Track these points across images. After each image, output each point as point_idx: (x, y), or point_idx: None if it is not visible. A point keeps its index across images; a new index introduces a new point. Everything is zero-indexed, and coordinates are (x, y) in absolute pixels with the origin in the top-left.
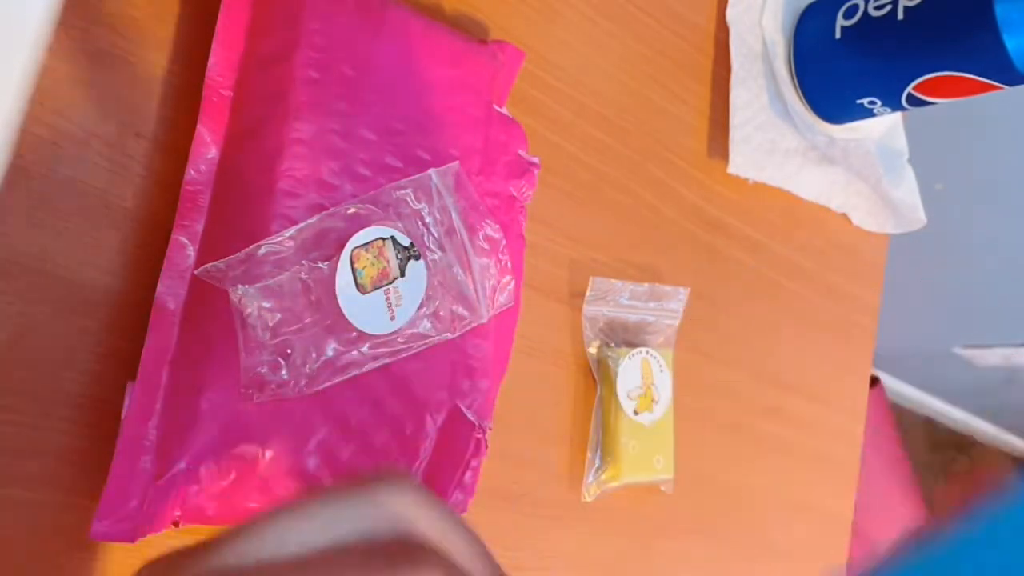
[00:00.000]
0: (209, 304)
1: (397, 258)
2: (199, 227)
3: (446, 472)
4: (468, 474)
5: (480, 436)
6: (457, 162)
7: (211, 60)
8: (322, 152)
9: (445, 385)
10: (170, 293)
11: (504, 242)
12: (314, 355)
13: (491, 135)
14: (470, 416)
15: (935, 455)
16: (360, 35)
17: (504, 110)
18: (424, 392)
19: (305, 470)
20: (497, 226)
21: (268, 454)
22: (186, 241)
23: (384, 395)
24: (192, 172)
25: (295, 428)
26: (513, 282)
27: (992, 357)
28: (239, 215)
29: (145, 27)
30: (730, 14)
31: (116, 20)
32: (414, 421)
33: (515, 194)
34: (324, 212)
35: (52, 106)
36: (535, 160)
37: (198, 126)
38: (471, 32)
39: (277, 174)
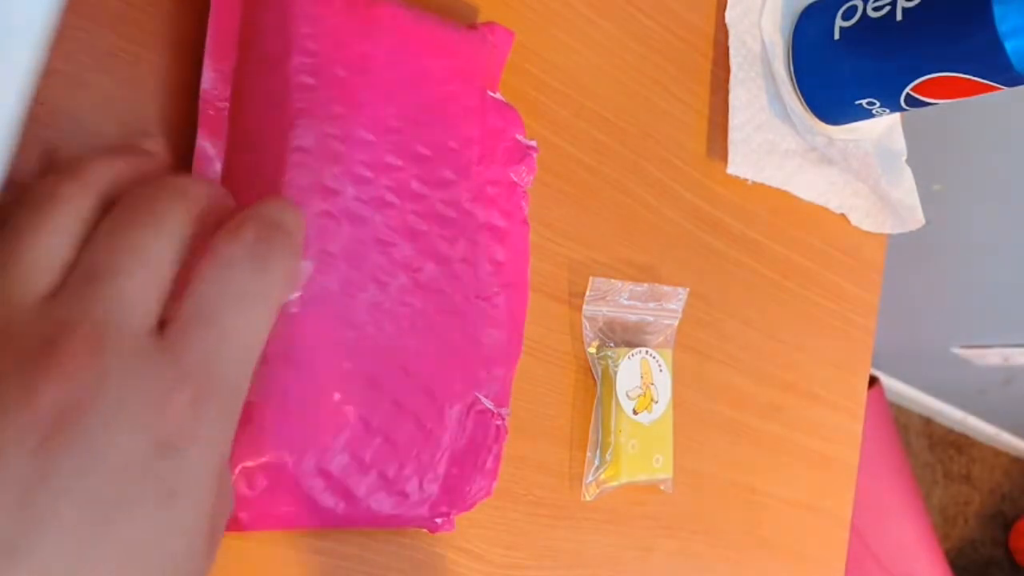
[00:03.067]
0: None
1: None
2: None
3: (468, 460)
4: (490, 459)
5: (499, 423)
6: None
7: (204, 73)
8: (323, 158)
9: (461, 376)
10: None
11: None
12: None
13: (487, 122)
14: (488, 404)
15: (934, 455)
16: (350, 35)
17: (498, 95)
18: (441, 385)
19: (333, 471)
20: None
21: (295, 459)
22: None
23: (403, 393)
24: None
25: (320, 432)
26: None
27: (991, 357)
28: None
29: (147, 28)
30: (729, 15)
31: (116, 20)
32: (434, 415)
33: (516, 179)
34: None
35: (53, 107)
36: (533, 144)
37: (198, 141)
38: (461, 16)
39: (280, 185)
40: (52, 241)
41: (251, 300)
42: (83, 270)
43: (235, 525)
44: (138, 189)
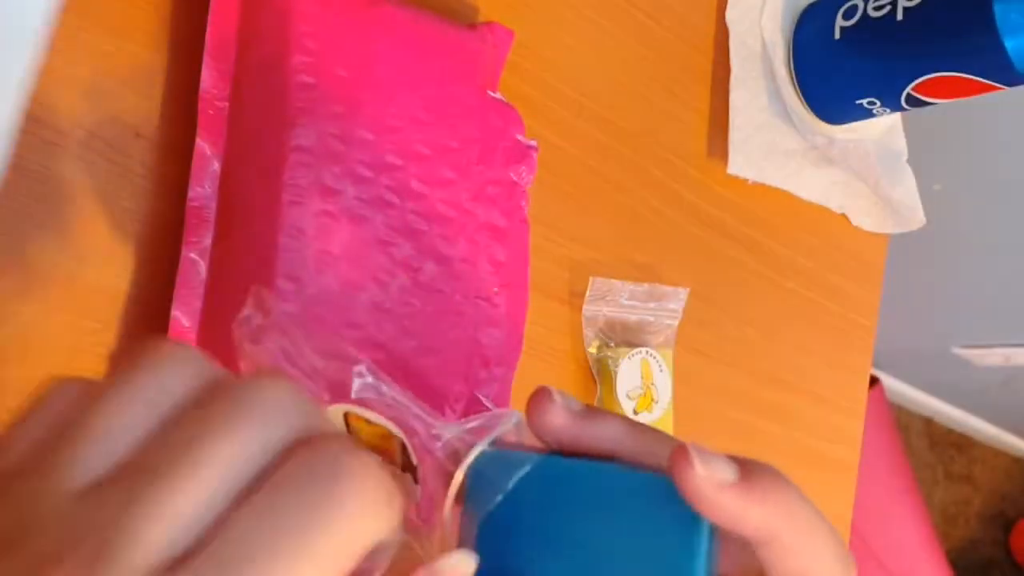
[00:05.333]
0: (225, 318)
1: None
2: (208, 242)
3: None
4: None
5: None
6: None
7: (203, 73)
8: (323, 157)
9: (462, 376)
10: (185, 311)
11: None
12: None
13: (487, 122)
14: (488, 404)
15: (934, 455)
16: (350, 34)
17: (498, 94)
18: (442, 385)
19: None
20: None
21: None
22: (196, 257)
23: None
24: (196, 188)
25: None
26: None
27: (991, 357)
28: (247, 229)
29: (146, 27)
30: (730, 15)
31: (116, 20)
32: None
33: (516, 179)
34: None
35: (52, 106)
36: (533, 143)
37: (197, 140)
38: (461, 16)
39: (280, 184)
40: (117, 431)
41: (291, 555)
42: (134, 467)
43: None
44: (235, 393)
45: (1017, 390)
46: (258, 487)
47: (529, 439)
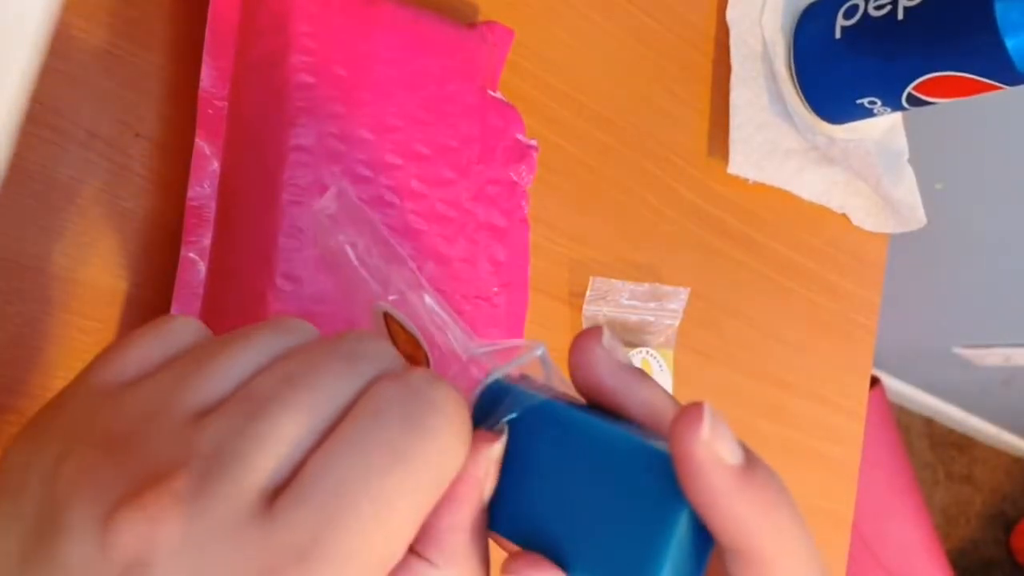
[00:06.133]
0: (225, 320)
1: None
2: (207, 242)
3: None
4: None
5: None
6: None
7: (203, 72)
8: (323, 157)
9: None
10: (184, 311)
11: None
12: None
13: (487, 121)
14: None
15: (935, 455)
16: (350, 34)
17: (498, 94)
18: None
19: None
20: None
21: None
22: (196, 257)
23: None
24: (196, 188)
25: None
26: None
27: (992, 357)
28: (246, 229)
29: (145, 27)
30: (730, 14)
31: (116, 20)
32: None
33: (516, 179)
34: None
35: (52, 106)
36: (533, 143)
37: (197, 140)
38: (460, 15)
39: (280, 184)
40: (235, 368)
41: (390, 477)
42: (243, 396)
43: None
44: (332, 341)
45: (1017, 390)
46: (352, 415)
47: (551, 375)
